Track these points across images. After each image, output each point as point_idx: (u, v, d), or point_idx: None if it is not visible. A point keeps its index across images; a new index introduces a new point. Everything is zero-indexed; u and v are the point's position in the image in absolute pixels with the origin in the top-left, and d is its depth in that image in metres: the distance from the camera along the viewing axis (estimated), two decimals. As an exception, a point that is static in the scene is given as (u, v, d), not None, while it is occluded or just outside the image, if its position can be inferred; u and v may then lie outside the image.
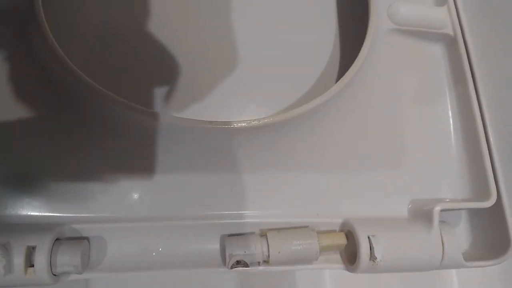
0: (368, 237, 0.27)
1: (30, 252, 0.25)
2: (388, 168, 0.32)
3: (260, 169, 0.31)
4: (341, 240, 0.28)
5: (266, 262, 0.28)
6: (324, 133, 0.32)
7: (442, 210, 0.29)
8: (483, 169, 0.31)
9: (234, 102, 0.35)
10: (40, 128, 0.29)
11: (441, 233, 0.28)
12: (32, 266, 0.25)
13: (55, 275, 0.26)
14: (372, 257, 0.27)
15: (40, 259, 0.25)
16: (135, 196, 0.29)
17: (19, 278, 0.25)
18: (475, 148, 0.32)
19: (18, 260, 0.25)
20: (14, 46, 0.30)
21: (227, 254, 0.28)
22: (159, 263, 0.29)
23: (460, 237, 0.32)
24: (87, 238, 0.28)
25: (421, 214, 0.30)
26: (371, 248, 0.27)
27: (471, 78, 0.33)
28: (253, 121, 0.28)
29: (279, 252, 0.27)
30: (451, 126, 0.34)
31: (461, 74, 0.34)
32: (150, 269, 0.28)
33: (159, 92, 0.34)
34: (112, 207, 0.29)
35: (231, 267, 0.28)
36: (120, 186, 0.29)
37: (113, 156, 0.29)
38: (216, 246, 0.29)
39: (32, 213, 0.28)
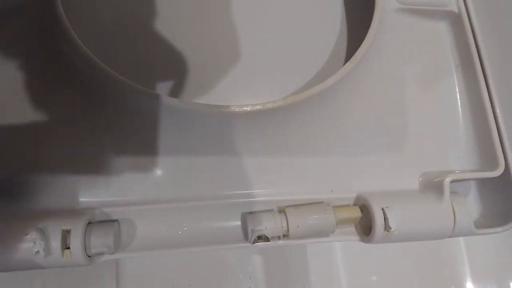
0: (382, 209, 0.29)
1: (65, 236, 0.27)
2: (398, 144, 0.33)
3: (276, 150, 0.32)
4: (356, 213, 0.30)
5: (285, 236, 0.30)
6: (336, 113, 0.33)
7: (452, 181, 0.30)
8: (491, 140, 0.32)
9: (244, 87, 0.36)
10: (67, 117, 0.30)
11: (452, 203, 0.30)
12: (68, 248, 0.27)
13: (89, 256, 0.28)
14: (387, 227, 0.28)
15: (75, 242, 0.27)
16: (160, 179, 0.30)
17: (57, 260, 0.27)
18: (482, 121, 0.33)
19: (55, 243, 0.26)
20: (31, 38, 0.32)
21: (249, 230, 0.29)
22: (184, 241, 0.30)
23: (470, 206, 0.34)
24: (117, 221, 0.30)
25: (432, 186, 0.31)
26: (385, 219, 0.28)
27: (477, 54, 0.34)
28: (268, 103, 0.29)
29: (297, 226, 0.29)
30: (458, 101, 0.35)
31: (466, 51, 0.35)
32: (176, 247, 0.30)
33: (171, 82, 0.35)
34: (139, 190, 0.30)
35: (253, 242, 0.30)
36: (145, 170, 0.30)
37: (136, 142, 0.31)
38: (237, 223, 0.31)
39: (64, 199, 0.29)
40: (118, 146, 0.30)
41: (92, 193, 0.30)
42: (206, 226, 0.31)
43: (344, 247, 0.36)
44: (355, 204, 0.31)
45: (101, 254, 0.29)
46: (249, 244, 0.30)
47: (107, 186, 0.30)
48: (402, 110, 0.34)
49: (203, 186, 0.31)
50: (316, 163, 0.33)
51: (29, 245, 0.26)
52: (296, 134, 0.32)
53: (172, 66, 0.36)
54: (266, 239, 0.30)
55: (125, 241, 0.30)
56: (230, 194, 0.32)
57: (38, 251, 0.26)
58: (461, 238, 0.37)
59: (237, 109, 0.29)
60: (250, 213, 0.31)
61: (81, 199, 0.30)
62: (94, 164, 0.30)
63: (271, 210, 0.31)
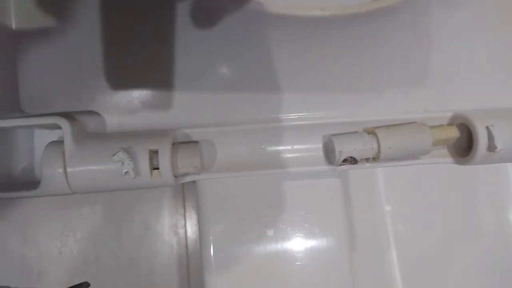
0: (487, 127, 0.26)
1: (151, 156, 0.26)
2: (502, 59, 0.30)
3: (361, 67, 0.30)
4: (454, 133, 0.28)
5: (375, 159, 0.28)
6: (431, 25, 0.30)
7: None
8: None
9: None
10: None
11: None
12: (156, 168, 0.26)
13: (175, 176, 0.27)
14: (491, 147, 0.26)
15: (164, 161, 0.26)
16: (238, 100, 0.29)
17: (145, 180, 0.26)
18: None
19: (144, 163, 0.26)
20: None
21: (336, 151, 0.28)
22: (265, 163, 0.29)
23: None
24: (198, 142, 0.29)
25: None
26: (489, 138, 0.26)
27: None
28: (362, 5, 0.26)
29: (390, 148, 0.27)
30: None
31: None
32: (256, 169, 0.29)
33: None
34: (217, 111, 0.29)
35: (339, 165, 0.28)
36: (224, 90, 0.29)
37: (221, 61, 0.29)
38: (318, 145, 0.29)
39: (143, 120, 0.29)
40: (200, 66, 0.29)
41: (173, 114, 0.29)
42: (286, 148, 0.30)
43: (386, 171, 0.37)
44: (450, 124, 0.29)
45: (186, 174, 0.28)
46: (334, 166, 0.29)
47: (187, 107, 0.28)
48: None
49: (282, 107, 0.29)
50: (408, 80, 0.30)
51: (117, 165, 0.25)
52: (384, 47, 0.29)
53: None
54: (354, 161, 0.28)
55: (207, 162, 0.29)
56: (311, 115, 0.30)
57: (127, 172, 0.26)
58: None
59: (332, 12, 0.26)
60: (335, 135, 0.29)
61: (165, 121, 0.29)
62: (173, 84, 0.28)
63: (356, 132, 0.29)
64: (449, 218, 0.37)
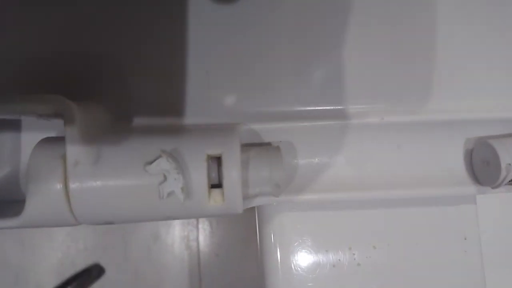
0: None
1: (209, 165, 0.16)
2: None
3: None
4: None
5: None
6: None
7: None
8: None
9: None
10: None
11: None
12: (216, 186, 0.16)
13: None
14: None
15: (232, 175, 0.16)
16: (322, 85, 0.19)
17: (199, 207, 0.16)
18: None
19: (199, 177, 0.15)
20: None
21: (502, 164, 0.17)
22: (374, 180, 0.19)
23: None
24: (278, 145, 0.18)
25: None
26: None
27: None
28: None
29: None
30: None
31: None
32: (363, 190, 0.19)
33: None
34: (296, 99, 0.19)
35: (504, 185, 0.18)
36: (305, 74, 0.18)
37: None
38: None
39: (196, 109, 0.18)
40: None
41: (236, 101, 0.18)
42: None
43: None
44: None
45: (256, 195, 0.18)
46: (491, 187, 0.18)
47: (257, 93, 0.18)
48: None
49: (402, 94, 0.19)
50: None
51: (155, 180, 0.15)
52: None
53: None
54: (524, 179, 0.18)
55: (287, 177, 0.19)
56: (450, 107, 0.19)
57: (172, 192, 0.15)
58: None
59: None
60: (493, 138, 0.19)
61: (219, 112, 0.18)
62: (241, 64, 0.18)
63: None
64: None
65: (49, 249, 0.56)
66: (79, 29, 0.18)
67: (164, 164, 0.15)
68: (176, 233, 0.71)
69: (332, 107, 0.19)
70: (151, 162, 0.15)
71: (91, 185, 0.15)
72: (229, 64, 0.19)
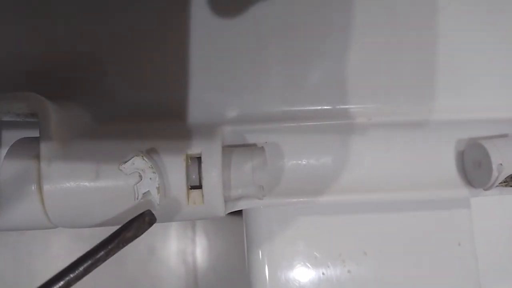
0: None
1: (188, 166, 0.15)
2: None
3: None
4: None
5: (554, 177, 0.17)
6: None
7: None
8: None
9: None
10: None
11: None
12: (196, 187, 0.15)
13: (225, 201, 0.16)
14: None
15: (212, 176, 0.15)
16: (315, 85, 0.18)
17: (177, 209, 0.15)
18: None
19: (177, 177, 0.15)
20: None
21: (493, 164, 0.17)
22: (360, 183, 0.18)
23: None
24: (262, 146, 0.18)
25: None
26: None
27: None
28: None
29: None
30: None
31: None
32: (350, 193, 0.18)
33: None
34: (285, 100, 0.18)
35: (494, 187, 0.17)
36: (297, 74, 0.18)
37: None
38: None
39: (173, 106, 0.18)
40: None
41: (220, 102, 0.18)
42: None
43: None
44: None
45: (240, 198, 0.17)
46: (483, 189, 0.18)
47: (243, 93, 0.18)
48: None
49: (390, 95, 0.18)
50: None
51: (130, 181, 0.14)
52: None
53: None
54: (517, 180, 0.17)
55: (273, 179, 0.18)
56: (439, 107, 0.19)
57: (147, 192, 0.14)
58: None
59: None
60: (484, 139, 0.18)
61: (202, 113, 0.18)
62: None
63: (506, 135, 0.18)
64: None
65: (44, 262, 0.55)
66: (61, 29, 0.18)
67: (139, 163, 0.14)
68: (172, 247, 0.70)
69: (319, 107, 0.19)
70: (125, 161, 0.14)
71: (65, 185, 0.14)
72: (214, 64, 0.18)
